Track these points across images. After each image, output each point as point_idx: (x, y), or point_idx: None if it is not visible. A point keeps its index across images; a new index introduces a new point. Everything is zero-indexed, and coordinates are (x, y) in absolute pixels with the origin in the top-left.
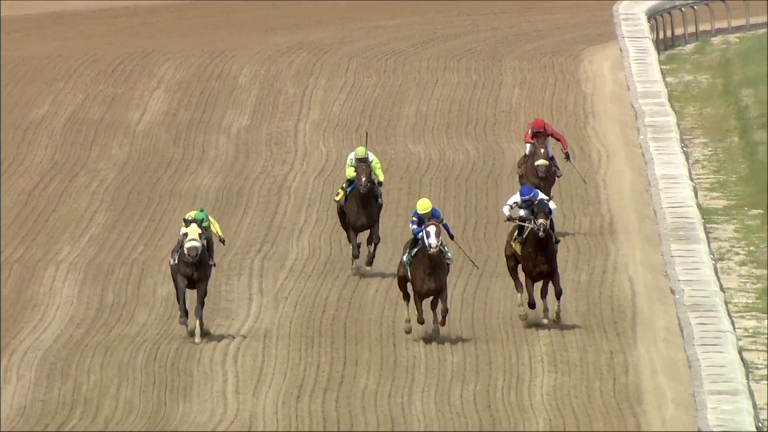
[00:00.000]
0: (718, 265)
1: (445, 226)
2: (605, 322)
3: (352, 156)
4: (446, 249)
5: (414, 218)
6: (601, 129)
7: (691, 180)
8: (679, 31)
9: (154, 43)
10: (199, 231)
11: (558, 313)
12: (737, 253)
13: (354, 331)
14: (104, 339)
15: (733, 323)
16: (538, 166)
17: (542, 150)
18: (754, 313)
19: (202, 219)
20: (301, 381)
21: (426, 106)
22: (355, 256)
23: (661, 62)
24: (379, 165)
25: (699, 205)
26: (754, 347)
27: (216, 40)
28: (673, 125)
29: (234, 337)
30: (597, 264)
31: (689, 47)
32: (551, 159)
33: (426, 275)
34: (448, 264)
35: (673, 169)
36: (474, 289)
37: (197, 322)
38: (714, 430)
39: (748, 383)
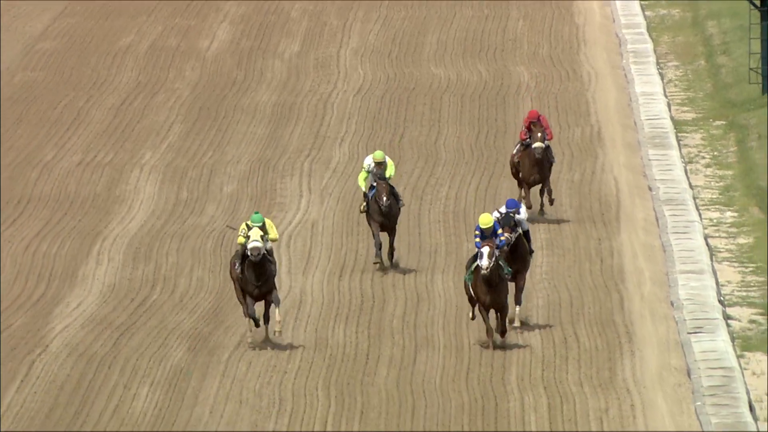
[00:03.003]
0: (688, 167)
1: (501, 243)
2: (594, 214)
3: (370, 161)
4: (504, 266)
5: (477, 232)
6: (590, 54)
7: (666, 96)
8: None
9: None
10: (261, 233)
11: (512, 318)
12: (703, 157)
13: None
14: (180, 228)
15: (700, 214)
16: (534, 148)
17: (539, 134)
18: (717, 206)
19: (260, 219)
20: (342, 263)
21: (446, 35)
22: (378, 248)
23: None
24: (392, 165)
25: (672, 117)
26: (717, 234)
27: None
28: (651, 51)
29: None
30: (587, 166)
31: None
32: (547, 148)
33: (487, 289)
34: (507, 277)
35: (651, 88)
36: (486, 186)
37: (275, 314)
38: (684, 302)
39: (712, 264)
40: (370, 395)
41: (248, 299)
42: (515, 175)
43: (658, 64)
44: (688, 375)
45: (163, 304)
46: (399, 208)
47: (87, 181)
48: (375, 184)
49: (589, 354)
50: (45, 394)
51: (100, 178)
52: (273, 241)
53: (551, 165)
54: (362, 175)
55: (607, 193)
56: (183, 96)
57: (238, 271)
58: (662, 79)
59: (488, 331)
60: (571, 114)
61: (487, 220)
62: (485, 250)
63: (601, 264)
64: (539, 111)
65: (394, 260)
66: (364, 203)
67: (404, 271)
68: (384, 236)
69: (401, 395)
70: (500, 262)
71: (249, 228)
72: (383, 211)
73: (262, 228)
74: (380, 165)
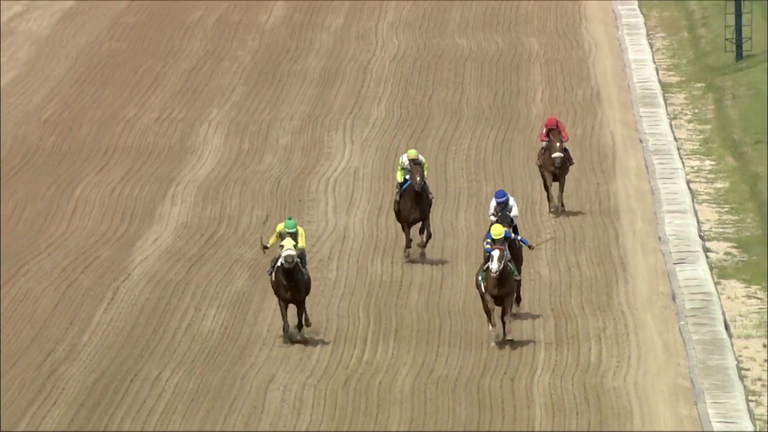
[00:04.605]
0: (673, 123)
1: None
2: (593, 162)
3: (404, 159)
4: (512, 267)
5: (488, 240)
6: (591, 27)
7: (654, 63)
8: None
9: None
10: (294, 243)
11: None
12: (686, 114)
13: None
14: (242, 174)
15: (683, 162)
16: (554, 157)
17: (557, 144)
18: (697, 156)
19: (294, 226)
20: (380, 204)
21: (468, 11)
22: (408, 246)
23: None
24: (426, 166)
25: (659, 81)
26: (697, 180)
27: None
28: (642, 24)
29: (333, 173)
30: (588, 122)
31: None
32: (565, 150)
33: (496, 283)
34: (516, 280)
35: (642, 55)
36: (502, 139)
37: (298, 330)
38: (669, 237)
39: (693, 205)
40: (403, 316)
41: (281, 305)
42: (542, 175)
43: (647, 35)
44: (673, 299)
45: (228, 239)
46: (430, 201)
47: (163, 134)
48: (410, 167)
49: (589, 281)
50: (128, 315)
51: (174, 132)
52: (301, 249)
53: (568, 168)
54: (399, 172)
55: (605, 145)
56: (245, 62)
57: (273, 276)
58: (651, 48)
59: (491, 320)
60: (574, 78)
61: (498, 230)
62: (495, 253)
63: (599, 205)
64: (549, 74)
65: (426, 251)
66: (397, 194)
67: (432, 211)
68: (416, 228)
69: (429, 316)
70: (509, 265)
71: (282, 237)
72: (416, 189)
73: (294, 236)
74: (415, 162)
